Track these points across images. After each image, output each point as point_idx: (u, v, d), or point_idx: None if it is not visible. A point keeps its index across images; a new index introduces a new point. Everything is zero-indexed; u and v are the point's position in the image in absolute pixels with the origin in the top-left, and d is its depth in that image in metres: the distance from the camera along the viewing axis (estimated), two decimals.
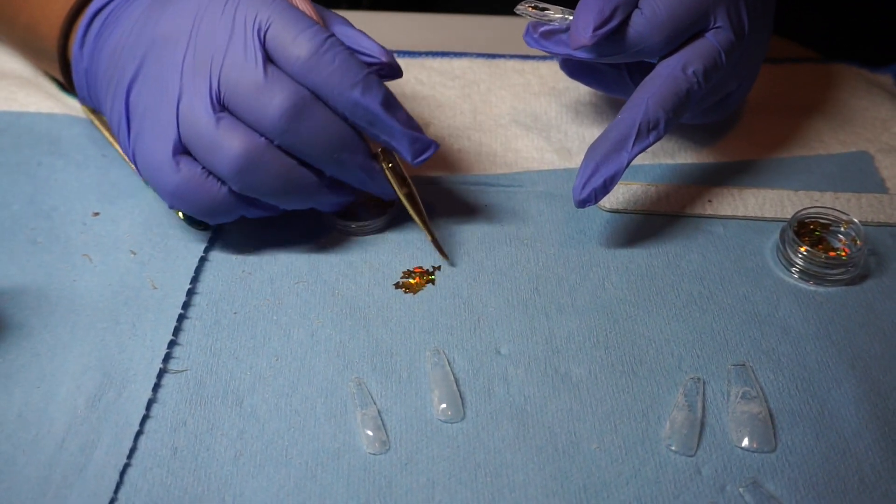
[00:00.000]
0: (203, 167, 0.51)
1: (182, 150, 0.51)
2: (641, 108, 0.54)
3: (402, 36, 0.74)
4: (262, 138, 0.50)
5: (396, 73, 0.53)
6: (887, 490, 0.45)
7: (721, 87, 0.59)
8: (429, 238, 0.56)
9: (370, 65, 0.52)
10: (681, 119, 0.56)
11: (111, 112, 0.54)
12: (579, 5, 0.54)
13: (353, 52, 0.51)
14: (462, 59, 0.72)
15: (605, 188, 0.54)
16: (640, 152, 0.54)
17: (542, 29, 0.57)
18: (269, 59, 0.50)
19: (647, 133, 0.54)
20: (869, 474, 0.46)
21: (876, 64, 0.74)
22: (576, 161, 0.63)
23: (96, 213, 0.57)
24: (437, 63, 0.71)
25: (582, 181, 0.54)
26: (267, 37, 0.49)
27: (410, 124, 0.52)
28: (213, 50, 0.50)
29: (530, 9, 0.56)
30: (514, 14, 0.57)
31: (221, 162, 0.49)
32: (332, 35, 0.50)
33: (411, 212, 0.55)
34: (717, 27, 0.55)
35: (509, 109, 0.68)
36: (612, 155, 0.54)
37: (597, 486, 0.45)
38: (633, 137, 0.53)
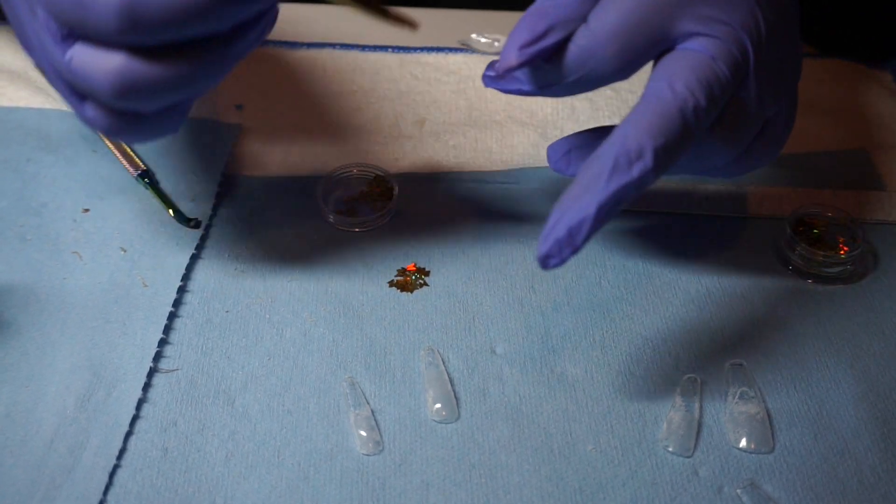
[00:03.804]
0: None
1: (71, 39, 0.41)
2: (619, 138, 0.43)
3: (396, 31, 0.74)
4: (122, 54, 0.39)
5: None
6: (887, 492, 0.45)
7: (745, 114, 0.47)
8: (377, 17, 0.45)
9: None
10: (687, 150, 0.44)
11: None
12: (514, 27, 0.46)
13: None
14: (457, 55, 0.71)
15: (571, 240, 0.43)
16: (618, 190, 0.42)
17: (495, 65, 0.48)
18: None
19: (629, 166, 0.42)
20: (868, 475, 0.46)
21: (874, 60, 0.73)
22: None
23: (86, 210, 0.57)
24: (431, 58, 0.71)
25: (544, 233, 0.43)
26: None
27: None
28: None
29: (481, 40, 0.50)
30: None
31: (100, 88, 0.40)
32: None
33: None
34: (700, 34, 0.44)
35: (505, 105, 0.67)
36: (579, 197, 0.43)
37: (593, 487, 0.45)
38: (607, 174, 0.42)
